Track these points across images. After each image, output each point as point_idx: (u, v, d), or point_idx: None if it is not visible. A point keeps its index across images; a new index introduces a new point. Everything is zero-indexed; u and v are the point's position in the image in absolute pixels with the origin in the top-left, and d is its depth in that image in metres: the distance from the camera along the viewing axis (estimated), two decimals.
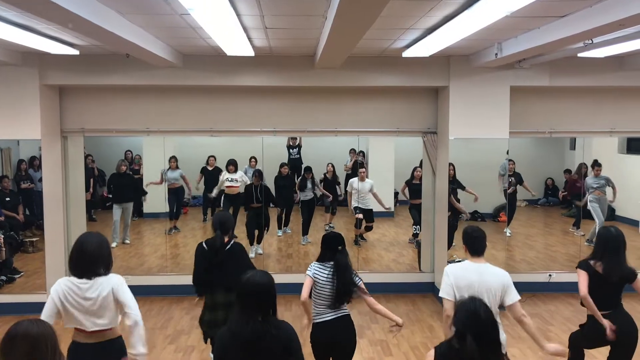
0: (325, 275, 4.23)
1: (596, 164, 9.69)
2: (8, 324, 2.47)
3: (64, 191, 7.92)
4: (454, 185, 8.50)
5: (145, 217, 11.39)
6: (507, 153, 7.95)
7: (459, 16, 4.85)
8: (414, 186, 9.53)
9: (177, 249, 9.90)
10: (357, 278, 4.29)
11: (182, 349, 6.23)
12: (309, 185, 10.36)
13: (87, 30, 4.83)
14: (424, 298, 8.02)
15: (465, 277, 3.92)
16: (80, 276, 3.58)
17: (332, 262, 4.25)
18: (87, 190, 8.79)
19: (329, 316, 4.22)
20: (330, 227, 11.06)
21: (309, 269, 4.32)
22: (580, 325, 4.80)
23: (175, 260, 9.28)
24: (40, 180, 7.78)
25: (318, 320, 4.26)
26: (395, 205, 12.06)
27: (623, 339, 4.39)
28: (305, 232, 10.35)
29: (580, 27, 4.72)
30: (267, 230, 9.77)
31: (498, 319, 3.78)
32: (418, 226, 9.78)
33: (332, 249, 4.29)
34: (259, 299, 2.85)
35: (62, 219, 7.85)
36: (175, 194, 10.59)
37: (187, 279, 8.18)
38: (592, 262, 4.46)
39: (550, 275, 8.25)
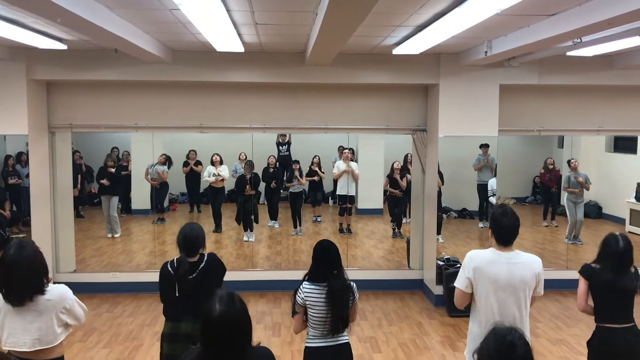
0: (319, 299, 3.60)
1: (572, 158, 9.50)
2: None
3: (52, 187, 7.85)
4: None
5: (133, 213, 11.32)
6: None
7: (449, 14, 4.86)
8: (394, 179, 10.29)
9: (165, 246, 9.85)
10: (353, 296, 3.70)
11: None
12: (296, 176, 10.65)
13: (75, 25, 4.80)
14: (412, 295, 8.04)
15: (490, 270, 3.40)
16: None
17: (325, 283, 3.61)
18: (74, 186, 8.72)
19: (324, 342, 3.66)
20: (317, 219, 11.55)
21: (298, 292, 3.65)
22: (588, 343, 4.06)
23: (164, 257, 9.21)
24: (28, 176, 7.71)
25: (312, 345, 3.69)
26: (384, 202, 12.11)
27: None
28: (295, 224, 10.70)
29: (570, 25, 4.75)
30: (257, 222, 10.13)
31: (527, 316, 3.47)
32: (394, 223, 10.69)
33: (326, 265, 3.65)
34: (234, 335, 2.24)
35: (50, 215, 7.80)
36: (159, 190, 10.78)
37: None
38: (595, 265, 3.99)
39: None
